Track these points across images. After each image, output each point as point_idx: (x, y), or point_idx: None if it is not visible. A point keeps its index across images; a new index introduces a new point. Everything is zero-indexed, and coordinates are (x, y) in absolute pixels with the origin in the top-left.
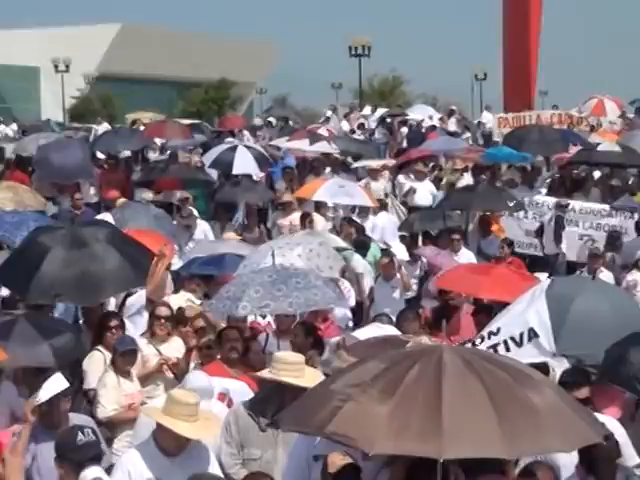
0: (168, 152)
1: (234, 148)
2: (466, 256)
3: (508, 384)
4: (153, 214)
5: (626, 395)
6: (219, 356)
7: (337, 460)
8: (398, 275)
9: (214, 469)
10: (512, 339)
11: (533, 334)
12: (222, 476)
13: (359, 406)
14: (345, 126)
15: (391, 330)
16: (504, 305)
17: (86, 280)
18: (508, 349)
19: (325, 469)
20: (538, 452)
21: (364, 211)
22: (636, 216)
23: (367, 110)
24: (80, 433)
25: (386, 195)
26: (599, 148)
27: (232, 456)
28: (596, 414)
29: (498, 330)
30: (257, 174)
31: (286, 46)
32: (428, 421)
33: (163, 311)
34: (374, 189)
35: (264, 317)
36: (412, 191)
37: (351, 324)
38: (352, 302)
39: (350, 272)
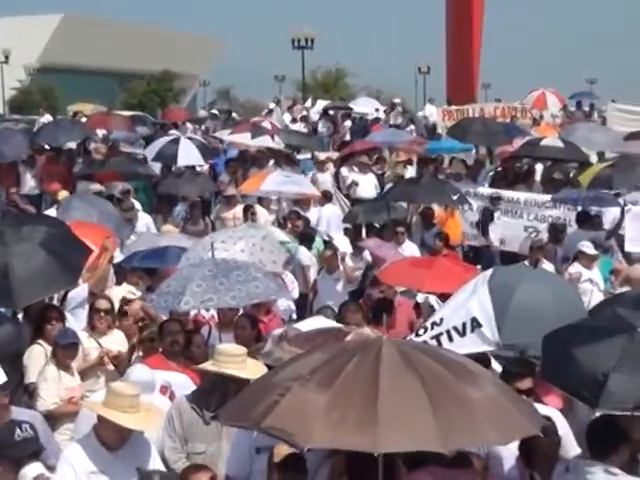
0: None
1: (177, 140)
2: (410, 248)
3: (445, 378)
4: (99, 207)
5: None
6: (161, 349)
7: (282, 451)
8: (341, 267)
9: (156, 462)
10: (455, 329)
11: (476, 324)
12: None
13: (296, 400)
14: (287, 119)
15: (334, 323)
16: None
17: (6, 281)
18: (451, 339)
19: (271, 459)
20: (474, 445)
21: (305, 203)
22: (579, 208)
23: (308, 103)
24: (18, 429)
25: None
26: (542, 142)
27: (175, 450)
28: (538, 405)
29: (441, 320)
30: (202, 165)
31: (230, 39)
32: (364, 415)
33: (103, 304)
34: (321, 181)
35: (207, 310)
36: (355, 183)
37: (295, 316)
38: (295, 294)
39: (295, 265)
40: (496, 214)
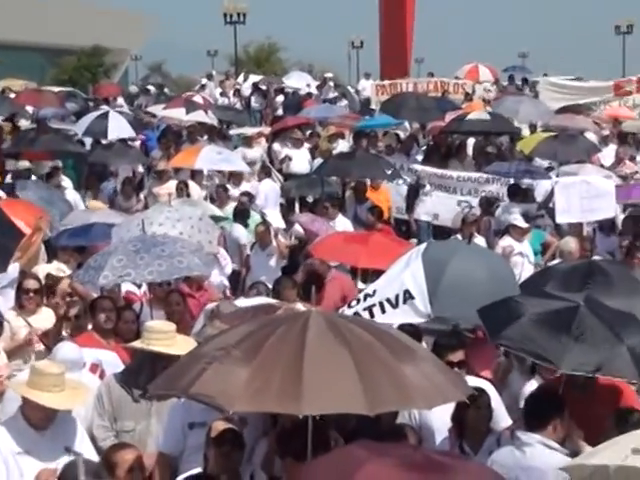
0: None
1: (106, 114)
2: (342, 223)
3: (373, 345)
4: (40, 191)
5: (500, 359)
6: (90, 326)
7: (219, 426)
8: (274, 243)
9: (84, 441)
10: (388, 301)
11: (408, 295)
12: (94, 452)
13: (222, 367)
14: (218, 93)
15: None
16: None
17: None
18: (384, 311)
19: (208, 435)
20: (399, 408)
21: (237, 179)
22: (511, 181)
23: (240, 78)
24: None
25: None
26: (469, 117)
27: (104, 429)
28: (470, 377)
29: (374, 292)
30: (132, 137)
31: (161, 13)
32: (289, 380)
33: (31, 284)
34: (249, 157)
35: (139, 286)
36: (289, 158)
37: (228, 292)
38: (229, 270)
39: (231, 242)
40: (426, 189)
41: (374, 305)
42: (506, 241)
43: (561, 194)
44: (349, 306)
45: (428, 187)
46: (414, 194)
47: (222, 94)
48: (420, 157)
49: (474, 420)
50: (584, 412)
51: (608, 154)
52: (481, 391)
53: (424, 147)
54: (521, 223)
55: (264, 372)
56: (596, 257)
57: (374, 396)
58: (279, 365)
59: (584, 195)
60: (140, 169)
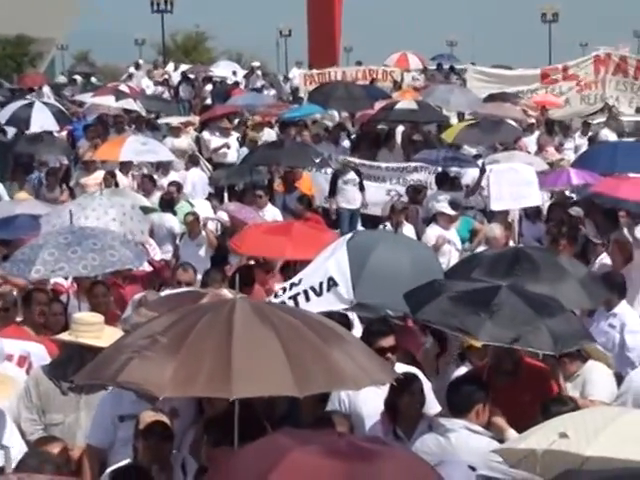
0: None
1: (31, 104)
2: (271, 212)
3: (299, 328)
4: None
5: (426, 345)
6: (19, 318)
7: (147, 417)
8: (203, 233)
9: (13, 434)
10: (312, 289)
11: (332, 283)
12: (24, 445)
13: (150, 355)
14: (147, 83)
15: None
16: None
17: None
18: (308, 299)
19: (137, 427)
20: (328, 389)
21: (165, 168)
22: (438, 169)
23: (170, 67)
24: None
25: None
26: (397, 106)
27: (32, 422)
28: (401, 365)
29: (300, 281)
30: (56, 130)
31: (88, 1)
32: (218, 364)
33: None
34: (176, 146)
35: (66, 278)
36: (227, 146)
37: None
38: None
39: (161, 230)
40: (346, 177)
41: (299, 294)
42: (434, 229)
43: (494, 181)
44: (275, 295)
45: (349, 176)
46: (334, 183)
47: (150, 83)
48: (347, 143)
49: (407, 405)
50: (511, 399)
51: (535, 142)
52: (414, 376)
53: (353, 136)
54: (448, 210)
55: (193, 358)
56: (522, 244)
57: (303, 378)
58: (208, 350)
59: (513, 182)
60: (65, 160)
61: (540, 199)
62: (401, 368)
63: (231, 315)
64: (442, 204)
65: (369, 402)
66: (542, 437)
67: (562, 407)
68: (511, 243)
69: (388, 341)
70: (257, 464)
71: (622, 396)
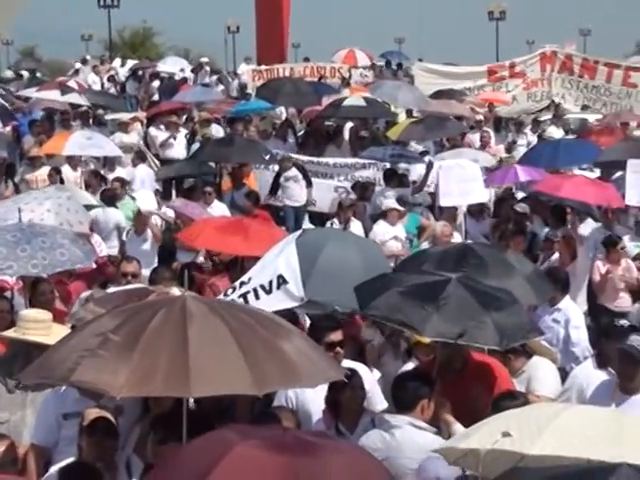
0: None
1: None
2: (219, 208)
3: (253, 326)
4: None
5: (374, 341)
6: None
7: (92, 415)
8: (150, 228)
9: None
10: (262, 287)
11: (282, 281)
12: None
13: (103, 353)
14: (93, 78)
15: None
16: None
17: None
18: (258, 297)
19: (81, 424)
20: (285, 387)
21: (112, 164)
22: (386, 165)
23: (117, 62)
24: None
25: (139, 148)
26: (344, 103)
27: None
28: (346, 360)
29: (249, 279)
30: None
31: None
32: (175, 363)
33: None
34: (125, 142)
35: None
36: (173, 137)
37: None
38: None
39: (107, 225)
40: (288, 174)
41: (249, 292)
42: (381, 226)
43: (443, 178)
44: (225, 295)
45: (290, 173)
46: (277, 180)
47: (97, 79)
48: (294, 140)
49: (348, 400)
50: (459, 392)
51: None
52: (353, 372)
53: (301, 132)
54: (396, 207)
55: (148, 357)
56: (469, 241)
57: (260, 376)
58: (163, 349)
59: (461, 179)
60: (5, 153)
61: (487, 196)
62: (345, 363)
63: (184, 312)
64: (389, 201)
65: (315, 398)
66: (485, 436)
67: (512, 402)
68: (458, 239)
69: (337, 335)
70: (202, 459)
71: (566, 392)
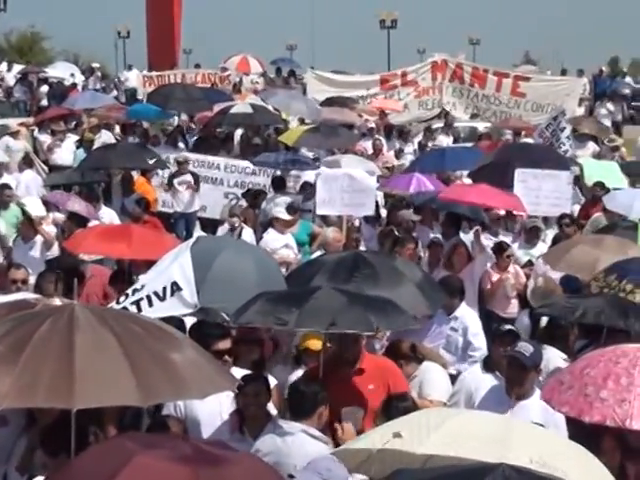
0: None
1: None
2: (108, 214)
3: (141, 337)
4: None
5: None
6: None
7: None
8: (38, 234)
9: None
10: (155, 294)
11: (176, 287)
12: None
13: None
14: None
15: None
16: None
17: None
18: (151, 304)
19: None
20: (173, 399)
21: None
22: (277, 172)
23: (3, 67)
24: None
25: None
26: (232, 110)
27: None
28: (236, 368)
29: (142, 286)
30: None
31: None
32: (60, 374)
33: None
34: (14, 148)
35: None
36: (58, 141)
37: None
38: None
39: None
40: (180, 179)
41: (142, 299)
42: (271, 233)
43: (323, 185)
44: (117, 302)
45: (183, 178)
46: (170, 185)
47: None
48: (183, 146)
49: (246, 407)
50: (353, 387)
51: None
52: (252, 378)
53: (193, 138)
54: (284, 215)
55: (33, 367)
56: (363, 248)
57: (147, 387)
58: (48, 359)
59: (346, 189)
60: None
61: (372, 209)
62: (239, 372)
63: (71, 322)
64: (278, 208)
65: (205, 408)
66: (377, 438)
67: (402, 403)
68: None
69: (226, 343)
70: (100, 469)
71: (455, 395)
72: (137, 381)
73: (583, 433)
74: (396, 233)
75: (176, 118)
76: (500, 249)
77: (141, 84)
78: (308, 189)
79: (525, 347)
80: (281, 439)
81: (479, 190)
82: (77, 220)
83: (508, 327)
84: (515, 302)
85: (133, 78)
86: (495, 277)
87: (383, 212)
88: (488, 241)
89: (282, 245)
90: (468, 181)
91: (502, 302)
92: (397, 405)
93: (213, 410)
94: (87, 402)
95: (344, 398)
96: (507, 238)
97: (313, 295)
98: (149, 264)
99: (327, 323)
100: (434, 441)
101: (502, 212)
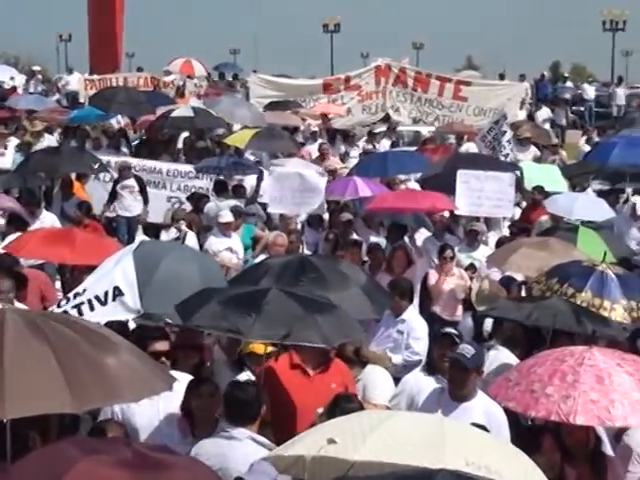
0: None
1: None
2: (49, 219)
3: (76, 342)
4: None
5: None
6: None
7: None
8: None
9: None
10: (97, 298)
11: (118, 292)
12: None
13: None
14: None
15: None
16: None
17: None
18: (92, 308)
19: None
20: (106, 404)
21: None
22: (221, 177)
23: None
24: None
25: None
26: (173, 114)
27: None
28: (176, 372)
29: (84, 290)
30: None
31: None
32: None
33: None
34: None
35: None
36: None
37: None
38: None
39: None
40: (124, 183)
41: (83, 303)
42: (215, 237)
43: (275, 184)
44: (58, 306)
45: (127, 182)
46: (114, 189)
47: None
48: (126, 150)
49: (197, 409)
50: (322, 384)
51: (316, 149)
52: (203, 380)
53: (135, 142)
54: (226, 219)
55: None
56: (307, 251)
57: (80, 394)
58: None
59: (296, 188)
60: None
61: (323, 207)
62: (179, 376)
63: (2, 328)
64: (223, 212)
65: (143, 412)
66: (311, 443)
67: (348, 404)
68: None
69: (163, 345)
70: (41, 476)
71: (397, 397)
72: (69, 387)
73: (524, 434)
74: (336, 236)
75: (119, 120)
76: (440, 251)
77: (83, 87)
78: (243, 192)
79: (466, 349)
80: (226, 444)
81: (397, 195)
82: (17, 224)
83: (448, 329)
84: (459, 305)
85: (75, 81)
86: (438, 279)
87: (326, 216)
88: (433, 245)
89: (225, 248)
90: (415, 185)
91: (448, 304)
92: (344, 406)
93: (152, 416)
94: (18, 411)
95: (308, 395)
96: (454, 242)
97: (265, 299)
98: (92, 268)
99: (282, 334)
100: (369, 446)
101: (447, 214)
